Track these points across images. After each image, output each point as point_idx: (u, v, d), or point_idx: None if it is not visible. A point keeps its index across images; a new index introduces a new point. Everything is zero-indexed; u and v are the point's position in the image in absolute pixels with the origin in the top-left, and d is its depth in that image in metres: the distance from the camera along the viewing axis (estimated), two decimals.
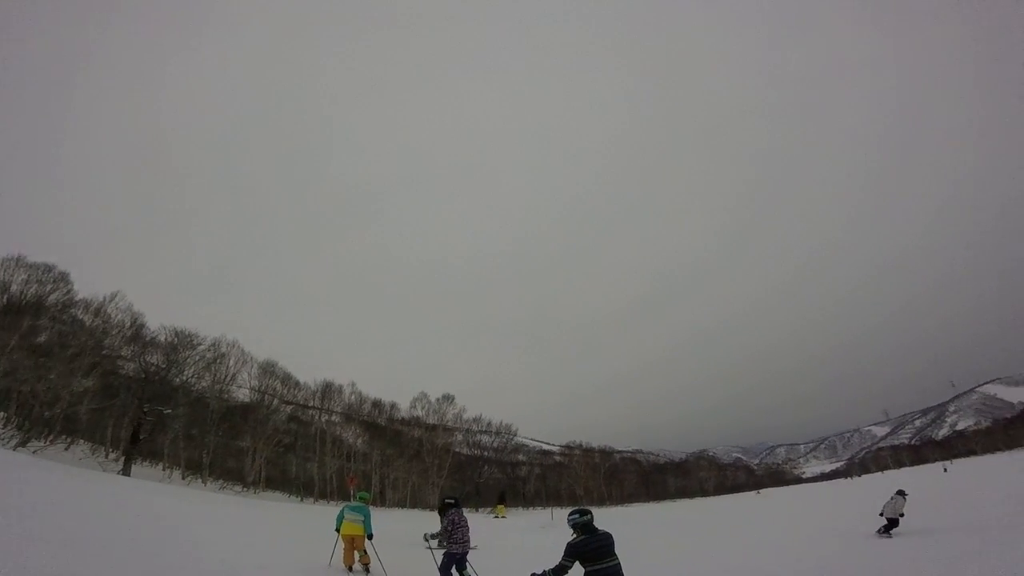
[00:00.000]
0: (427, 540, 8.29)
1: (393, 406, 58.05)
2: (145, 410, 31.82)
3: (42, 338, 29.46)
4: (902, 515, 12.29)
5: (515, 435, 63.25)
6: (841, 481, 75.48)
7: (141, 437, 31.15)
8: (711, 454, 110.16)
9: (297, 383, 49.92)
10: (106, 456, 29.75)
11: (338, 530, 9.25)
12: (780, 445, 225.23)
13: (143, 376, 34.01)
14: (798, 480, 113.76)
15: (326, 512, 27.19)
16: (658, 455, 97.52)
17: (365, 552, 9.24)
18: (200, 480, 31.86)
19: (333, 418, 53.72)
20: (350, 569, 9.07)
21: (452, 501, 8.35)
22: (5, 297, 28.14)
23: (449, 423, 58.10)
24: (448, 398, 57.50)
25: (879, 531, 12.33)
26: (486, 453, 59.83)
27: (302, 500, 36.85)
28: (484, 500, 52.46)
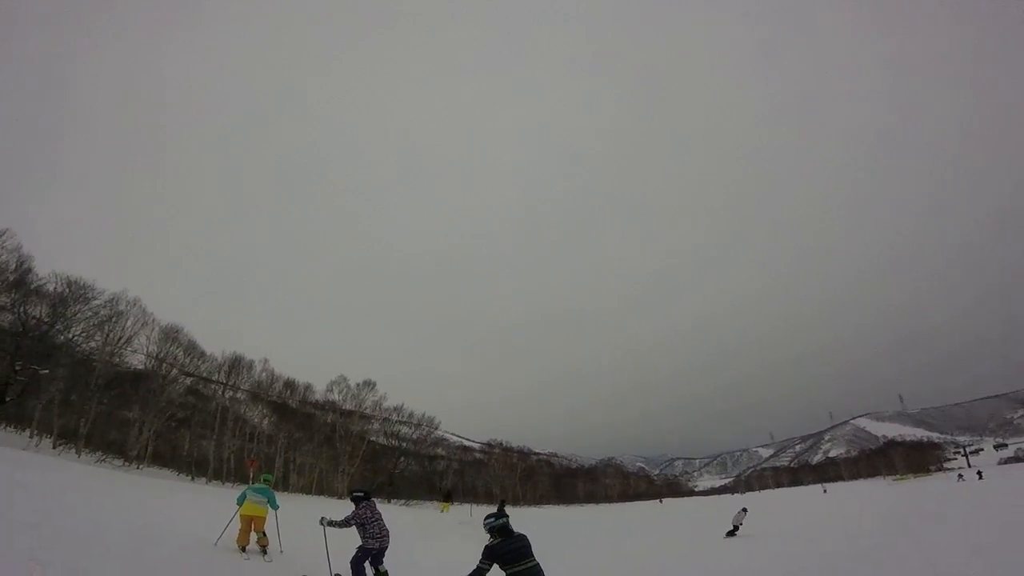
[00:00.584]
0: (323, 524, 7.44)
1: (308, 388, 54.58)
2: (17, 368, 27.61)
3: None
4: (741, 524, 17.50)
5: (436, 428, 61.71)
6: (727, 496, 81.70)
7: (8, 399, 26.87)
8: (618, 461, 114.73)
9: (202, 353, 45.34)
10: None
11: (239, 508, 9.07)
12: (679, 458, 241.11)
13: (20, 329, 29.39)
14: (691, 493, 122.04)
15: (218, 493, 24.76)
16: (570, 460, 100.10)
17: (264, 534, 9.07)
18: (74, 451, 27.78)
19: (238, 395, 49.45)
20: (243, 550, 8.77)
21: (361, 494, 7.74)
22: None
23: (367, 410, 55.73)
24: (369, 384, 55.03)
25: (727, 534, 17.10)
26: (404, 444, 57.71)
27: (193, 479, 33.36)
28: (398, 492, 50.66)
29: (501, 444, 72.56)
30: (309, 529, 8.59)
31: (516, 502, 62.32)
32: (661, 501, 66.60)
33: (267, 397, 51.68)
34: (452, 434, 70.87)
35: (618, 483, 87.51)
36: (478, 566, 4.93)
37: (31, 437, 26.89)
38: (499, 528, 5.12)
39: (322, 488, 44.10)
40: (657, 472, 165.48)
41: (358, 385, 54.48)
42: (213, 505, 13.08)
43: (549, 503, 68.25)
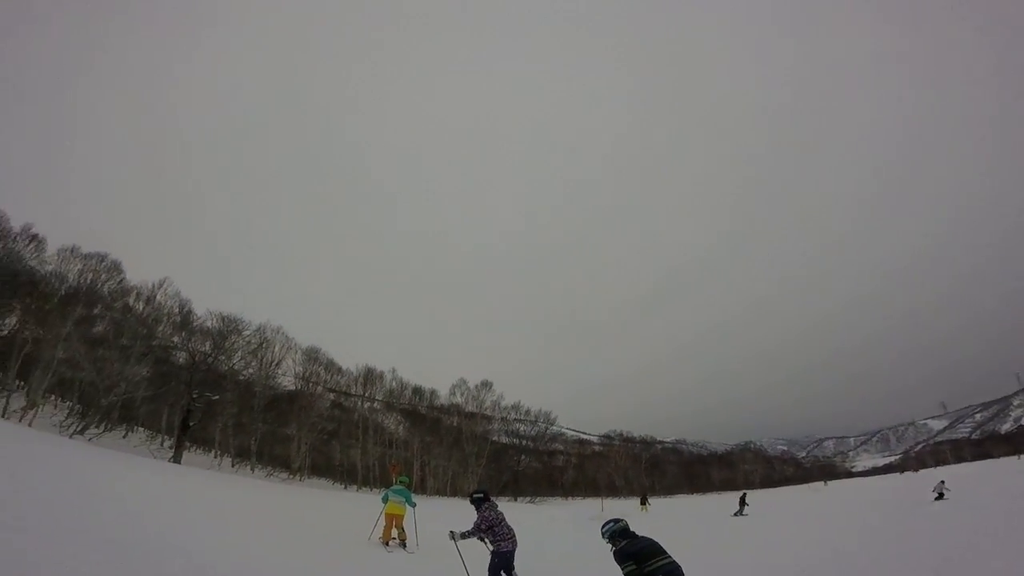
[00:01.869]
0: (453, 538, 7.00)
1: (433, 392, 58.04)
2: (194, 396, 32.33)
3: (98, 328, 30.39)
4: (945, 492, 19.46)
5: (553, 423, 62.26)
6: (897, 475, 71.17)
7: (191, 424, 31.87)
8: (757, 445, 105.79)
9: (339, 369, 50.38)
10: (161, 444, 30.57)
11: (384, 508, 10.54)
12: (829, 438, 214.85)
13: (192, 362, 34.59)
14: (849, 474, 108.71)
15: (367, 499, 27.10)
16: (700, 446, 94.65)
17: (403, 530, 10.43)
18: (248, 467, 32.44)
19: (375, 405, 54.26)
20: (387, 544, 10.15)
21: (481, 495, 7.27)
22: (63, 287, 29.00)
23: (487, 411, 57.81)
24: (487, 385, 57.03)
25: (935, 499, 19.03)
26: (524, 442, 59.08)
27: (345, 488, 37.20)
28: (522, 489, 51.99)
29: (621, 434, 71.03)
30: (443, 529, 8.98)
31: (645, 492, 60.57)
32: (825, 483, 60.03)
33: (399, 405, 55.96)
34: (567, 428, 71.18)
35: (760, 468, 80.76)
36: (626, 572, 4.57)
37: (215, 457, 31.82)
38: (620, 532, 4.91)
39: (455, 489, 46.58)
40: (804, 455, 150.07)
41: (476, 386, 56.81)
42: (364, 509, 14.71)
43: (680, 493, 65.29)
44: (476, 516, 7.06)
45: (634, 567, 4.52)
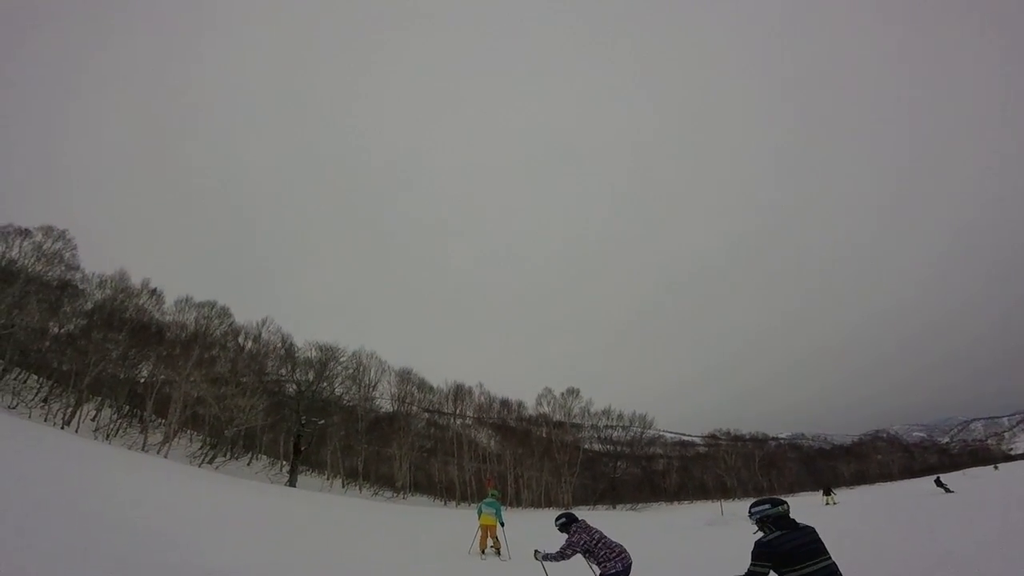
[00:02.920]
0: (538, 559, 6.40)
1: (520, 404, 58.10)
2: (302, 422, 34.98)
3: (220, 368, 34.09)
4: None
5: (651, 426, 59.27)
6: None
7: (302, 448, 34.56)
8: (890, 434, 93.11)
9: (431, 387, 52.29)
10: (280, 469, 33.39)
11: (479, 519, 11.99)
12: (976, 419, 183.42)
13: (298, 391, 37.50)
14: (1007, 457, 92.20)
15: (466, 515, 27.47)
16: (822, 440, 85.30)
17: (497, 539, 11.73)
18: (356, 487, 34.35)
19: (466, 420, 55.44)
20: (482, 552, 11.49)
21: (564, 519, 6.43)
22: (184, 334, 33.02)
23: (576, 419, 56.70)
24: (573, 392, 56.01)
25: None
26: (618, 448, 56.99)
27: (445, 504, 38.11)
28: (621, 497, 50.06)
29: (728, 433, 66.10)
30: (533, 542, 9.09)
31: (760, 493, 55.67)
32: (996, 467, 51.58)
33: (489, 420, 56.67)
34: (665, 431, 67.55)
35: (897, 458, 71.05)
36: (749, 570, 3.66)
37: (327, 479, 34.08)
38: (776, 518, 3.80)
39: (549, 500, 45.99)
40: (946, 440, 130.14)
41: (563, 394, 56.04)
42: (464, 524, 16.17)
43: (805, 491, 59.21)
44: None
45: (766, 571, 3.59)
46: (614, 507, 45.07)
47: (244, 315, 43.08)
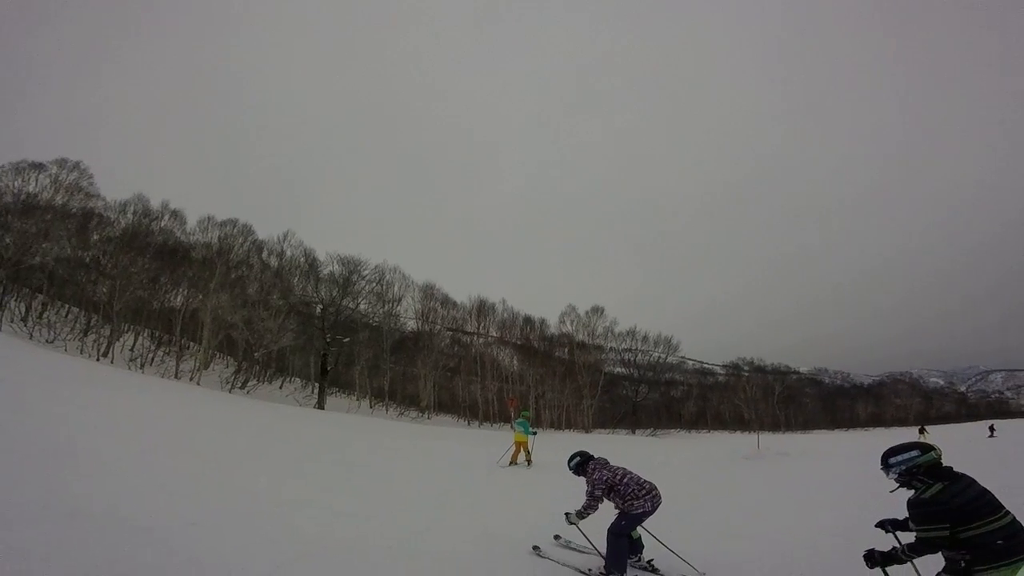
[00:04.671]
0: (571, 521, 5.46)
1: (543, 322, 57.25)
2: (327, 341, 34.18)
3: (248, 289, 33.16)
4: None
5: (676, 349, 58.24)
6: None
7: (328, 368, 34.55)
8: (911, 377, 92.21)
9: (455, 304, 51.63)
10: (312, 391, 33.78)
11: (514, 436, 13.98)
12: (996, 371, 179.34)
13: (322, 308, 36.49)
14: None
15: (491, 435, 27.65)
16: (842, 378, 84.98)
17: (528, 451, 13.55)
18: (383, 408, 35.03)
19: (489, 339, 55.36)
20: (513, 462, 13.36)
21: (578, 458, 5.61)
22: (209, 253, 31.79)
23: (600, 339, 56.08)
24: (597, 311, 54.90)
25: None
26: (640, 372, 56.84)
27: (468, 424, 39.07)
28: (640, 422, 51.02)
29: (751, 362, 65.65)
30: (553, 457, 12.22)
31: (776, 428, 56.49)
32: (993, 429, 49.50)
33: (510, 340, 56.44)
34: (688, 358, 67.19)
35: (915, 403, 70.75)
36: (919, 539, 2.92)
37: (356, 400, 34.69)
38: (930, 466, 3.00)
39: (570, 423, 46.96)
40: (963, 388, 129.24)
41: (587, 312, 54.99)
42: (493, 442, 18.14)
43: (819, 428, 59.96)
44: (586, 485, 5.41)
45: (946, 533, 2.77)
46: (634, 432, 45.95)
47: (267, 231, 41.32)
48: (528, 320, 57.29)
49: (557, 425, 46.12)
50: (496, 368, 50.69)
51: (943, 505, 2.83)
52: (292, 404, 27.69)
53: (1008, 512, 2.81)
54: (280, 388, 32.54)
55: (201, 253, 31.26)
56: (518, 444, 13.58)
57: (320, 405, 30.40)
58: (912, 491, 3.04)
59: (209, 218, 32.68)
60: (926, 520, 2.88)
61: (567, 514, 5.48)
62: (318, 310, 36.67)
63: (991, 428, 31.67)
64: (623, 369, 59.09)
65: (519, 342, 55.89)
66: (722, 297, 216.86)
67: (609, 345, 58.16)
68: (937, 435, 30.15)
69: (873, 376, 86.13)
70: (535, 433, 14.12)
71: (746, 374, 63.01)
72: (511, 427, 15.16)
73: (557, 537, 5.97)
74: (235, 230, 33.09)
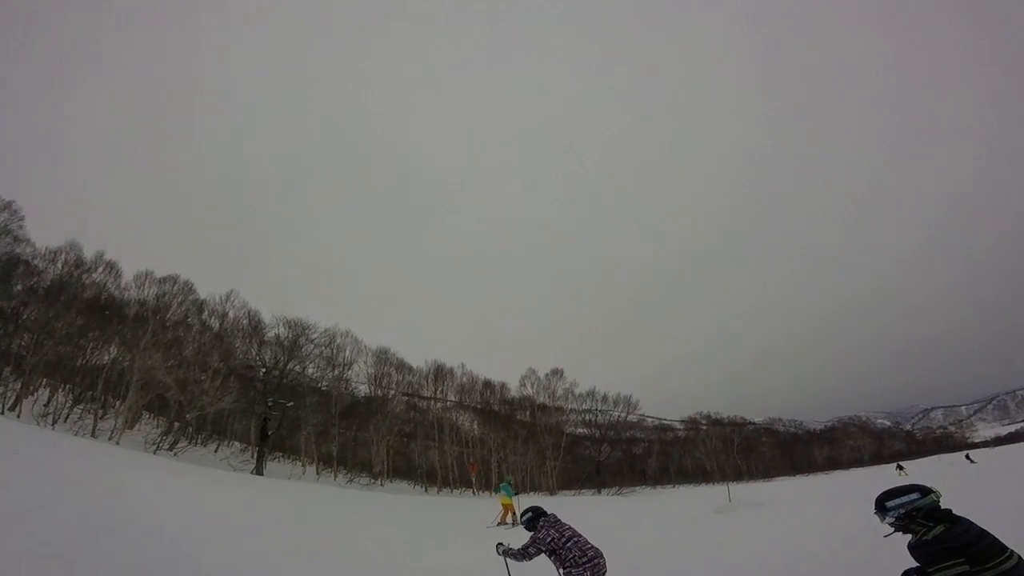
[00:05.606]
0: (500, 553, 5.37)
1: (503, 386, 56.29)
2: (269, 404, 31.81)
3: (184, 350, 30.84)
4: None
5: (636, 408, 58.34)
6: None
7: (270, 433, 31.85)
8: (858, 420, 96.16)
9: (410, 368, 49.96)
10: (251, 456, 30.72)
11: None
12: (936, 408, 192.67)
13: (264, 370, 34.18)
14: (968, 445, 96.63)
15: (452, 503, 25.71)
16: (796, 426, 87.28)
17: (515, 513, 14.30)
18: (331, 474, 32.21)
19: (447, 403, 53.48)
20: (503, 522, 14.47)
21: (529, 514, 5.45)
22: (144, 311, 29.76)
23: (560, 400, 55.49)
24: (557, 372, 54.59)
25: None
26: (602, 431, 56.10)
27: (426, 490, 36.33)
28: (605, 481, 49.39)
29: (708, 416, 66.41)
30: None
31: (739, 477, 56.09)
32: (969, 456, 49.67)
33: (470, 404, 54.77)
34: (648, 416, 67.33)
35: (867, 444, 73.18)
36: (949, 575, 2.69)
37: (301, 466, 31.79)
38: (929, 510, 2.87)
39: (534, 486, 44.90)
40: (909, 427, 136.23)
41: (547, 375, 54.62)
42: (478, 509, 18.32)
43: (780, 476, 60.11)
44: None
45: (966, 568, 2.65)
46: (599, 492, 44.19)
47: (208, 289, 39.48)
48: (488, 384, 56.24)
49: (522, 488, 43.90)
50: (456, 432, 48.41)
51: (951, 543, 2.74)
52: (226, 468, 25.00)
53: (1014, 552, 2.75)
54: (215, 452, 29.35)
55: (135, 310, 29.16)
56: (505, 507, 14.96)
57: (259, 470, 27.58)
58: (910, 535, 2.94)
59: (147, 273, 30.75)
60: (940, 558, 2.75)
61: (499, 545, 5.47)
62: (261, 373, 34.44)
63: (968, 456, 33.41)
64: (585, 429, 58.15)
65: (479, 406, 54.37)
66: (678, 353, 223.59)
67: (570, 406, 57.62)
68: (916, 470, 30.77)
69: (824, 422, 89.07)
70: (517, 494, 15.78)
71: (704, 427, 63.47)
72: (492, 493, 17.65)
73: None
74: (175, 287, 31.30)
